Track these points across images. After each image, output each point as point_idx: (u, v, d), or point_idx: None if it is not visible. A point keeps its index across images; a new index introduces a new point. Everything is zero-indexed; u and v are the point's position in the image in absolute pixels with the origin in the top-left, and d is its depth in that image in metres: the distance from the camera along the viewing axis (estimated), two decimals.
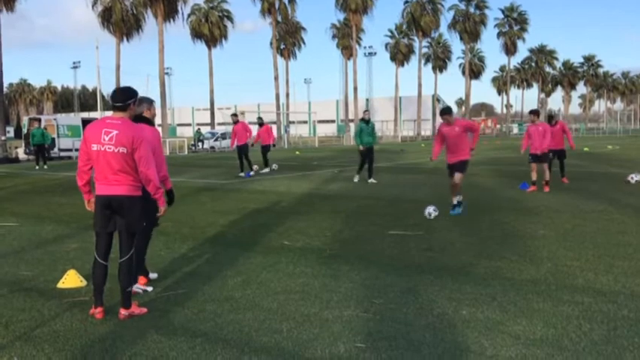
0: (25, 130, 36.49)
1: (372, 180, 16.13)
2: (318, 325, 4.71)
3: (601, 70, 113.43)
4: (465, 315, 4.88)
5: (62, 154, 33.46)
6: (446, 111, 10.37)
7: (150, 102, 5.90)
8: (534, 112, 13.74)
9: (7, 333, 4.64)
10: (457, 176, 10.16)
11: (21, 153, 34.70)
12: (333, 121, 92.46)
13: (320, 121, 72.55)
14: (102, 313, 4.99)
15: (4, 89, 45.92)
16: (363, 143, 16.14)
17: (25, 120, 40.17)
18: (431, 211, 9.97)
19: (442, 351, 4.15)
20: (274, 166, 22.11)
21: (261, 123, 21.10)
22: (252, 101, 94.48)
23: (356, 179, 16.37)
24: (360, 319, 4.83)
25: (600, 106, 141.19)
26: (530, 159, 13.63)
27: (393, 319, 4.81)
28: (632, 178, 14.88)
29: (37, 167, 25.62)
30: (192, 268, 6.74)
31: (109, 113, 5.30)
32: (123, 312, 4.98)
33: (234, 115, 20.44)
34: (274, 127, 58.99)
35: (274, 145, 21.87)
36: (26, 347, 4.32)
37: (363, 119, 16.60)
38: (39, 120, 35.93)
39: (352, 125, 65.82)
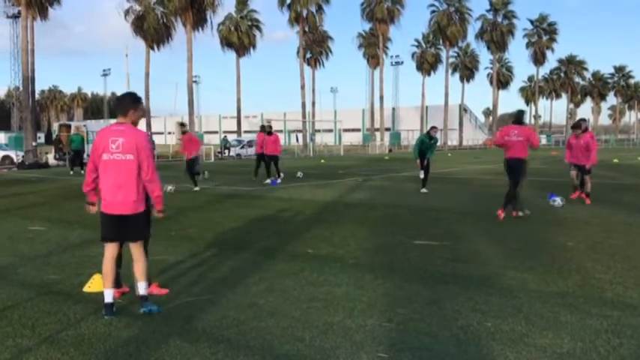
0: (54, 136, 37.11)
1: (424, 190, 15.97)
2: (341, 333, 4.68)
3: (632, 81, 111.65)
4: (490, 327, 4.81)
5: None
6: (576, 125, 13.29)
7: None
8: (582, 122, 13.90)
9: (34, 335, 4.70)
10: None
11: (51, 158, 35.26)
12: (358, 130, 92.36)
13: (345, 130, 72.48)
14: (118, 294, 5.50)
15: (36, 96, 46.85)
16: (420, 157, 15.94)
17: (55, 126, 40.86)
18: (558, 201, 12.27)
19: None
20: (299, 174, 22.09)
21: (269, 132, 19.99)
22: (279, 109, 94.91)
23: (423, 190, 15.97)
24: (383, 329, 4.79)
25: (631, 117, 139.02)
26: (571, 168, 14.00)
27: (416, 330, 4.76)
28: None
29: (71, 173, 25.98)
30: (216, 274, 6.76)
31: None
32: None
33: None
34: (300, 136, 59.41)
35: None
36: (51, 350, 4.37)
37: (429, 134, 16.12)
38: (69, 126, 36.57)
39: (377, 134, 65.71)
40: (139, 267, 5.32)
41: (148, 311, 5.17)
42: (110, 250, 5.33)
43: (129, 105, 5.32)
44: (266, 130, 20.10)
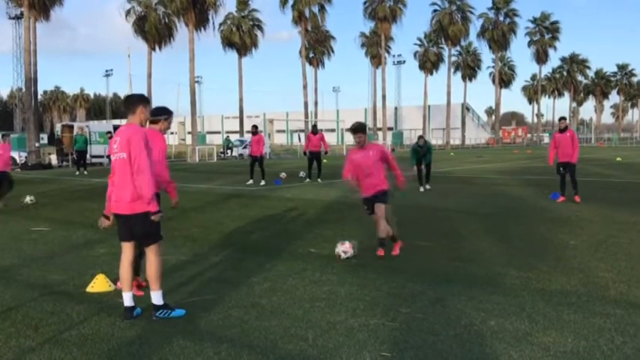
0: (57, 137, 37.19)
1: (427, 186, 16.58)
2: (344, 333, 4.68)
3: (635, 79, 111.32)
4: (494, 326, 4.81)
5: (94, 160, 33.93)
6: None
7: None
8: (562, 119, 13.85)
9: (37, 336, 4.70)
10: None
11: (54, 159, 35.30)
12: None
13: (348, 130, 72.41)
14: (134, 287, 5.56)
15: (39, 96, 46.95)
16: (418, 163, 16.57)
17: (58, 127, 40.93)
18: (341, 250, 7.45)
19: None
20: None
21: (254, 132, 19.64)
22: (281, 109, 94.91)
23: (421, 189, 16.32)
24: (386, 328, 4.79)
25: (634, 115, 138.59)
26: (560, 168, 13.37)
27: (419, 329, 4.75)
28: None
29: (77, 173, 25.99)
30: (219, 274, 6.77)
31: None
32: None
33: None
34: (302, 135, 59.45)
35: (261, 157, 19.46)
36: (55, 350, 4.37)
37: (417, 144, 16.91)
38: (71, 127, 36.62)
39: (380, 134, 65.69)
40: (149, 272, 5.15)
41: (164, 316, 5.07)
42: (125, 251, 5.21)
43: (137, 102, 5.18)
44: (251, 130, 20.15)
